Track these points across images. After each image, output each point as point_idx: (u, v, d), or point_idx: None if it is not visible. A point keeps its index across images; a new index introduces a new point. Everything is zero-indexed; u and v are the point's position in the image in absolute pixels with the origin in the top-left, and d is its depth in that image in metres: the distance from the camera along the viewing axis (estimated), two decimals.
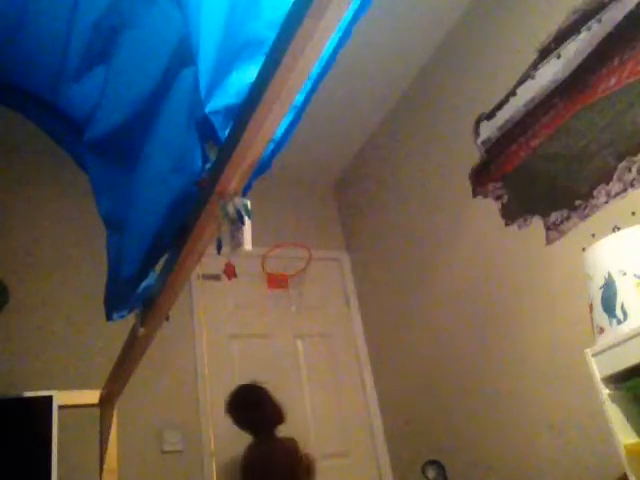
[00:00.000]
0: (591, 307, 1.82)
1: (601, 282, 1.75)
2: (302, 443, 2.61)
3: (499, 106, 2.69)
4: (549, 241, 2.41)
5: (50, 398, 1.96)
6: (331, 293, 3.78)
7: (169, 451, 2.89)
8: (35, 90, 1.26)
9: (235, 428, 2.60)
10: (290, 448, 2.53)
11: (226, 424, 2.64)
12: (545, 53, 2.46)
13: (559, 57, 2.40)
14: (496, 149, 2.72)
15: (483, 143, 2.80)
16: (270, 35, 0.95)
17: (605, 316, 1.73)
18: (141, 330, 1.54)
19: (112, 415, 2.03)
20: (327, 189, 4.12)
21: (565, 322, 2.28)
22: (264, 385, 2.68)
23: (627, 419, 1.64)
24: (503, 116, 2.67)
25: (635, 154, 2.07)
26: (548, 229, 2.41)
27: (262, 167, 1.15)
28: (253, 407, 2.60)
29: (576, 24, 2.32)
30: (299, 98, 1.09)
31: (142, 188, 1.23)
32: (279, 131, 1.11)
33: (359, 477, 3.29)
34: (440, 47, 3.13)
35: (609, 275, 1.73)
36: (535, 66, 2.51)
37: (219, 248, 1.22)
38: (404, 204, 3.38)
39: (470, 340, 2.80)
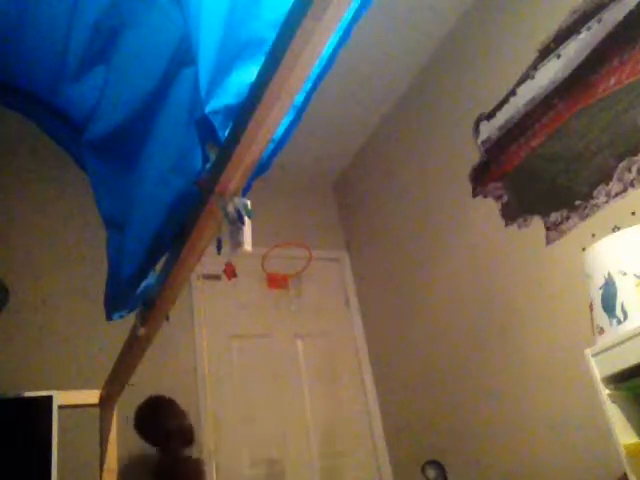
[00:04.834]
0: (591, 307, 1.83)
1: (601, 282, 1.75)
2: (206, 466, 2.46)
3: (499, 106, 2.69)
4: (549, 241, 2.41)
5: (50, 398, 1.96)
6: (331, 293, 3.77)
7: None
8: (35, 90, 1.26)
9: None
10: (196, 470, 2.38)
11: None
12: (545, 53, 2.46)
13: (559, 57, 2.40)
14: (496, 149, 2.72)
15: (483, 143, 2.80)
16: (270, 35, 0.95)
17: (605, 316, 1.73)
18: (141, 330, 1.54)
19: (112, 415, 2.03)
20: (327, 189, 4.12)
21: (565, 322, 2.28)
22: (172, 399, 2.52)
23: (627, 419, 1.64)
24: (503, 116, 2.67)
25: (635, 154, 2.07)
26: (548, 229, 2.41)
27: (262, 167, 1.14)
28: (159, 423, 2.42)
29: (576, 24, 2.32)
30: (299, 98, 1.09)
31: (142, 188, 1.23)
32: (279, 131, 1.10)
33: (359, 477, 3.29)
34: (440, 47, 3.13)
35: (609, 275, 1.73)
36: (535, 66, 2.51)
37: (219, 248, 1.22)
38: (404, 204, 3.38)
39: (470, 340, 2.80)
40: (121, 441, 2.05)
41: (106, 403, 2.02)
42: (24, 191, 3.15)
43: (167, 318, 1.58)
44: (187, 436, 2.46)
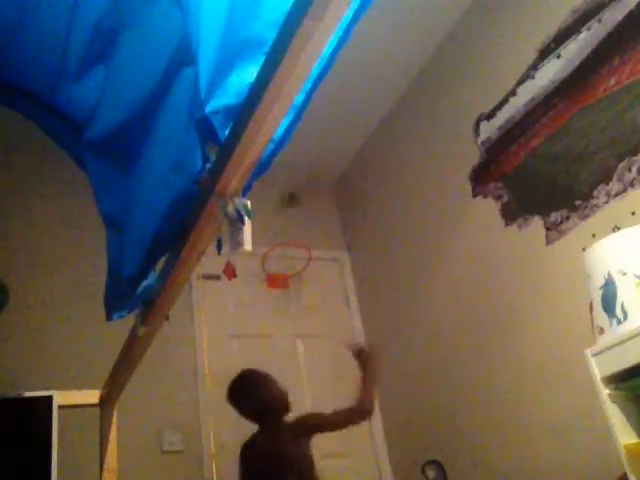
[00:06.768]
0: (591, 307, 1.83)
1: (601, 282, 1.75)
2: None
3: (499, 106, 2.69)
4: (549, 241, 2.41)
5: (50, 398, 1.96)
6: (331, 293, 3.77)
7: (169, 451, 2.89)
8: (35, 90, 1.26)
9: (238, 420, 2.49)
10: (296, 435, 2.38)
11: (228, 420, 2.63)
12: (545, 53, 2.46)
13: (559, 57, 2.39)
14: (496, 149, 2.72)
15: (483, 143, 2.79)
16: (270, 35, 0.95)
17: (605, 316, 1.73)
18: (141, 330, 1.54)
19: (112, 415, 2.03)
20: (327, 189, 4.12)
21: (565, 322, 2.28)
22: (266, 372, 2.48)
23: (627, 419, 1.65)
24: (503, 116, 2.67)
25: (635, 154, 2.06)
26: (548, 229, 2.41)
27: (262, 167, 1.14)
28: (254, 392, 2.41)
29: (576, 24, 2.32)
30: (299, 98, 1.09)
31: (142, 188, 1.23)
32: (279, 131, 1.10)
33: (359, 477, 3.29)
34: (440, 47, 3.13)
35: (609, 275, 1.73)
36: (535, 66, 2.51)
37: (219, 248, 1.22)
38: (404, 204, 3.38)
39: (470, 340, 2.80)
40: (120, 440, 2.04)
41: (106, 403, 2.02)
42: (24, 191, 3.15)
43: (167, 318, 1.58)
44: (284, 402, 2.46)
